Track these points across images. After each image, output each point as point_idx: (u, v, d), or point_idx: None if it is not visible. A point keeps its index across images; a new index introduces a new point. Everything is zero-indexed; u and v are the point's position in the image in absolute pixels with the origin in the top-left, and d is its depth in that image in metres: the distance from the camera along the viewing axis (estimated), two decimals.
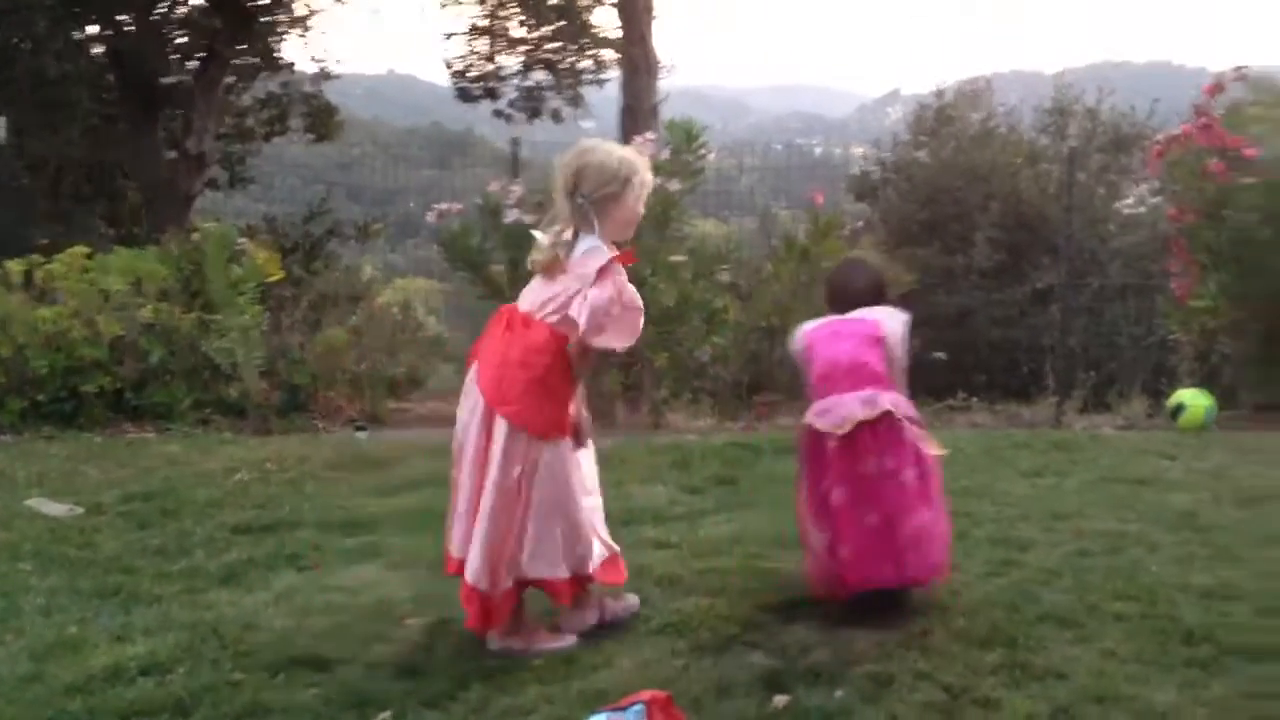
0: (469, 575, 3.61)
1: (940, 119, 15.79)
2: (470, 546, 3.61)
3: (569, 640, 3.72)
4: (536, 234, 3.78)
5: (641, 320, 3.72)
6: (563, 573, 3.68)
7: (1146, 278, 11.93)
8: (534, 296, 3.72)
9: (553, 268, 3.69)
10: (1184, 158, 8.68)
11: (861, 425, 3.83)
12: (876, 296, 4.19)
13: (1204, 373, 8.89)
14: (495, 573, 3.60)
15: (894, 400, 3.90)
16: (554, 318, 3.64)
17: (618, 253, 3.67)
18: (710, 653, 3.61)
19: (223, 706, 3.26)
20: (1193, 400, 7.90)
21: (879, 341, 3.99)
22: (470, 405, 3.72)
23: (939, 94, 16.16)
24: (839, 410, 3.88)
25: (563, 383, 3.67)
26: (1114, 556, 4.55)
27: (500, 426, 3.60)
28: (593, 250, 3.63)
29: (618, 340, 3.70)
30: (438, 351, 10.46)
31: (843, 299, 4.20)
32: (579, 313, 3.58)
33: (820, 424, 3.90)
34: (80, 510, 5.52)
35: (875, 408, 3.85)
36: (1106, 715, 3.13)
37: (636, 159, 3.77)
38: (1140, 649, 3.57)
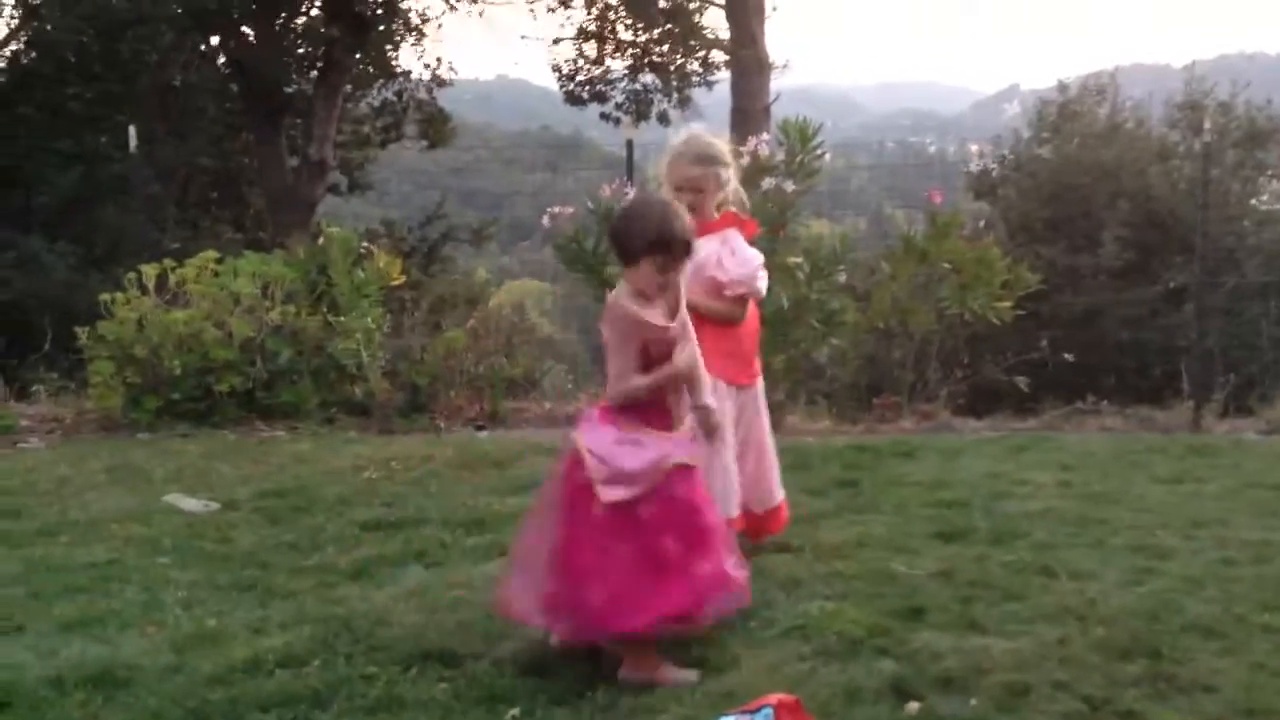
0: None
1: (1064, 114, 15.44)
2: None
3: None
4: None
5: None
6: None
7: None
8: None
9: None
10: None
11: None
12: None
13: None
14: None
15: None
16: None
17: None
18: (837, 657, 3.55)
19: (357, 700, 3.30)
20: None
21: None
22: None
23: (1062, 88, 15.81)
24: None
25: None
26: (1261, 566, 4.39)
27: None
28: None
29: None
30: (552, 351, 10.54)
31: None
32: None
33: None
34: (216, 506, 5.66)
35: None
36: None
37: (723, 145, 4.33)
38: None
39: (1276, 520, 5.06)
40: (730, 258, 4.30)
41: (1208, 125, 11.89)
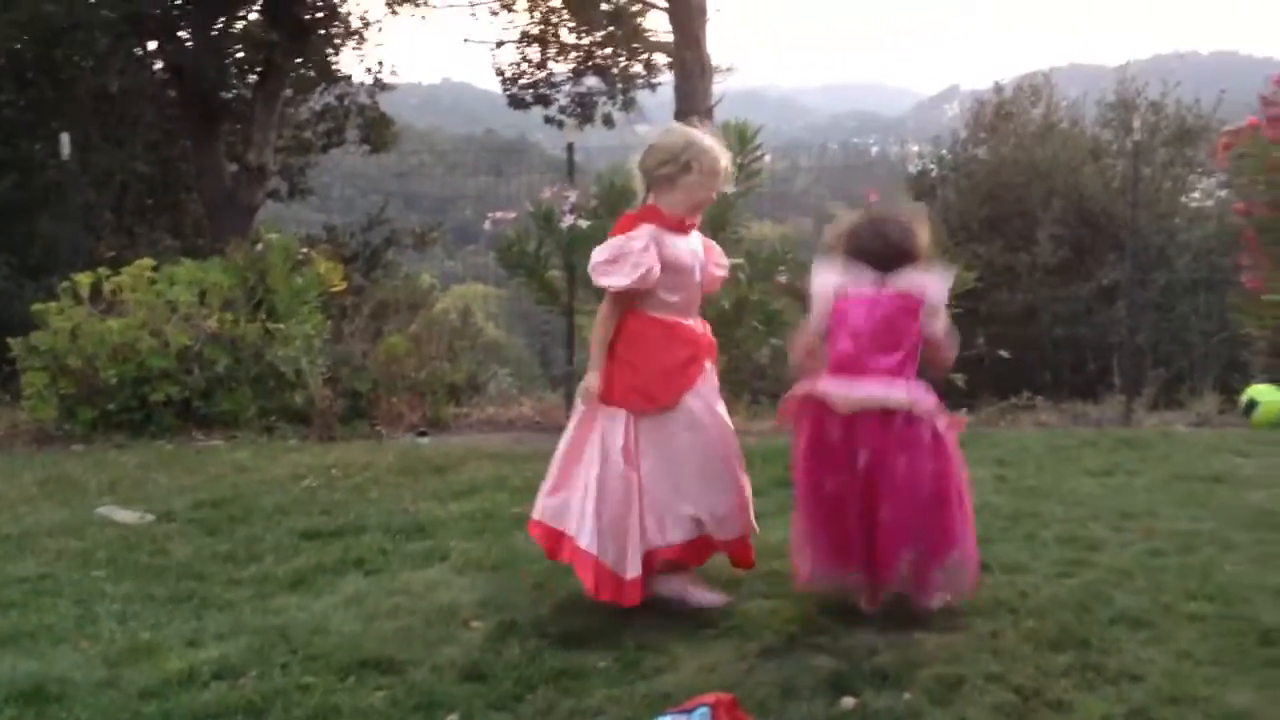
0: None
1: (1000, 115, 15.61)
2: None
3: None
4: None
5: (641, 263, 3.94)
6: None
7: (1216, 272, 11.69)
8: None
9: None
10: (1251, 150, 8.49)
11: (872, 413, 3.76)
12: (911, 255, 3.90)
13: (1278, 368, 8.70)
14: None
15: (912, 392, 3.81)
16: None
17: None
18: (775, 655, 3.60)
19: (294, 710, 3.29)
20: (1267, 396, 7.76)
21: (917, 313, 3.84)
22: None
23: (998, 89, 15.99)
24: (860, 390, 3.79)
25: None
26: (1188, 556, 4.48)
27: None
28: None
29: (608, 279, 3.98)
30: (497, 356, 10.51)
31: (874, 257, 3.90)
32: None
33: (836, 399, 3.82)
34: (151, 517, 5.60)
35: (894, 399, 3.77)
36: (1183, 717, 3.08)
37: (707, 145, 4.02)
38: (1216, 650, 3.51)
39: (1204, 511, 5.17)
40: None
41: (1137, 124, 12.07)
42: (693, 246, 4.11)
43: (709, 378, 4.13)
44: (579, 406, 4.07)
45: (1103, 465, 6.26)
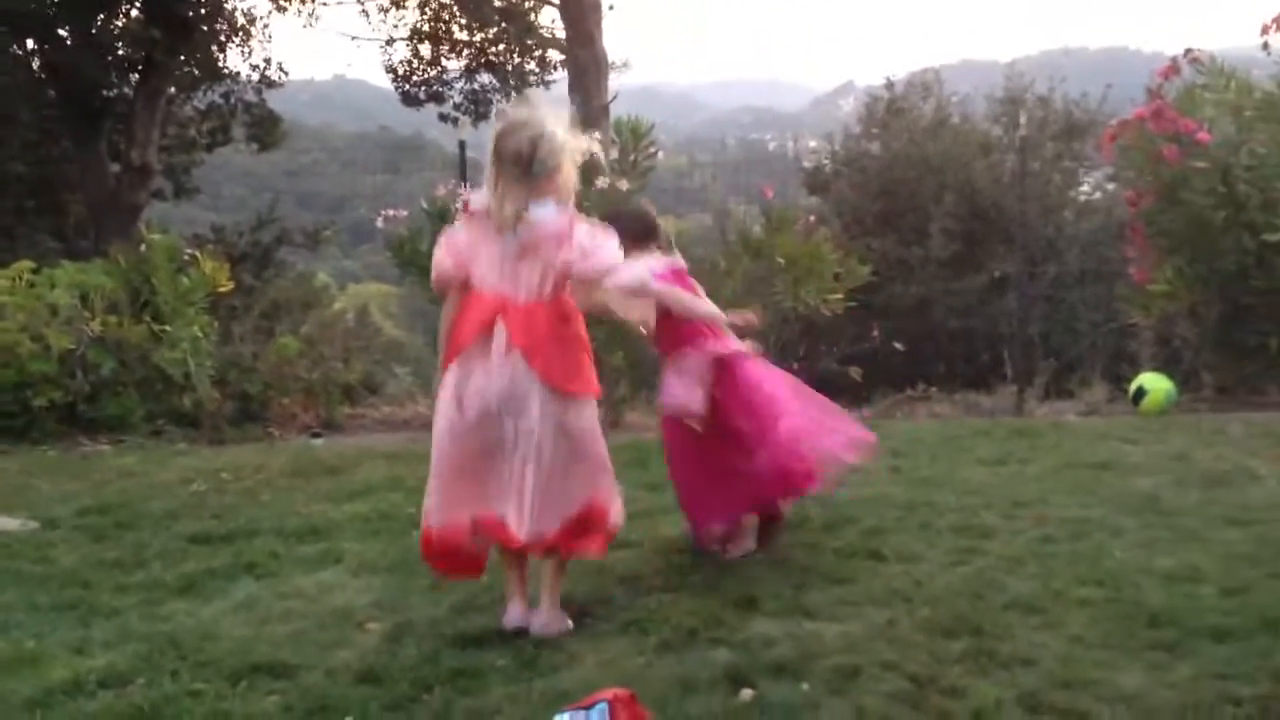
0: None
1: (891, 111, 15.80)
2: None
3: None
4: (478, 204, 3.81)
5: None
6: None
7: (1104, 264, 11.97)
8: (524, 279, 3.77)
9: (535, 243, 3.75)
10: (1137, 142, 8.70)
11: None
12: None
13: (1164, 356, 8.94)
14: None
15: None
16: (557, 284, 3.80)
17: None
18: (673, 649, 3.58)
19: (184, 717, 3.21)
20: (1154, 384, 7.94)
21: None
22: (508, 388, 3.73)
23: (890, 86, 16.19)
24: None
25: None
26: (1078, 542, 4.56)
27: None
28: (553, 211, 3.75)
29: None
30: (397, 355, 10.40)
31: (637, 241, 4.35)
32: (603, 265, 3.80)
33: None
34: (34, 524, 5.43)
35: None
36: (1074, 700, 3.12)
37: (571, 130, 3.86)
38: (1106, 633, 3.58)
39: (1093, 498, 5.27)
40: None
41: (1023, 120, 12.30)
42: None
43: None
44: None
45: (995, 454, 6.37)
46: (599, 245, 3.80)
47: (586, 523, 3.81)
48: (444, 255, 3.87)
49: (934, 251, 13.42)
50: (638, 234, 4.34)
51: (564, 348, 3.79)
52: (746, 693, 3.24)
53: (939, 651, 3.47)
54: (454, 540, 3.79)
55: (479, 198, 3.82)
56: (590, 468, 3.83)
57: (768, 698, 3.20)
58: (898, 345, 9.80)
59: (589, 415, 3.86)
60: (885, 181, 14.49)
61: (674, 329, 4.47)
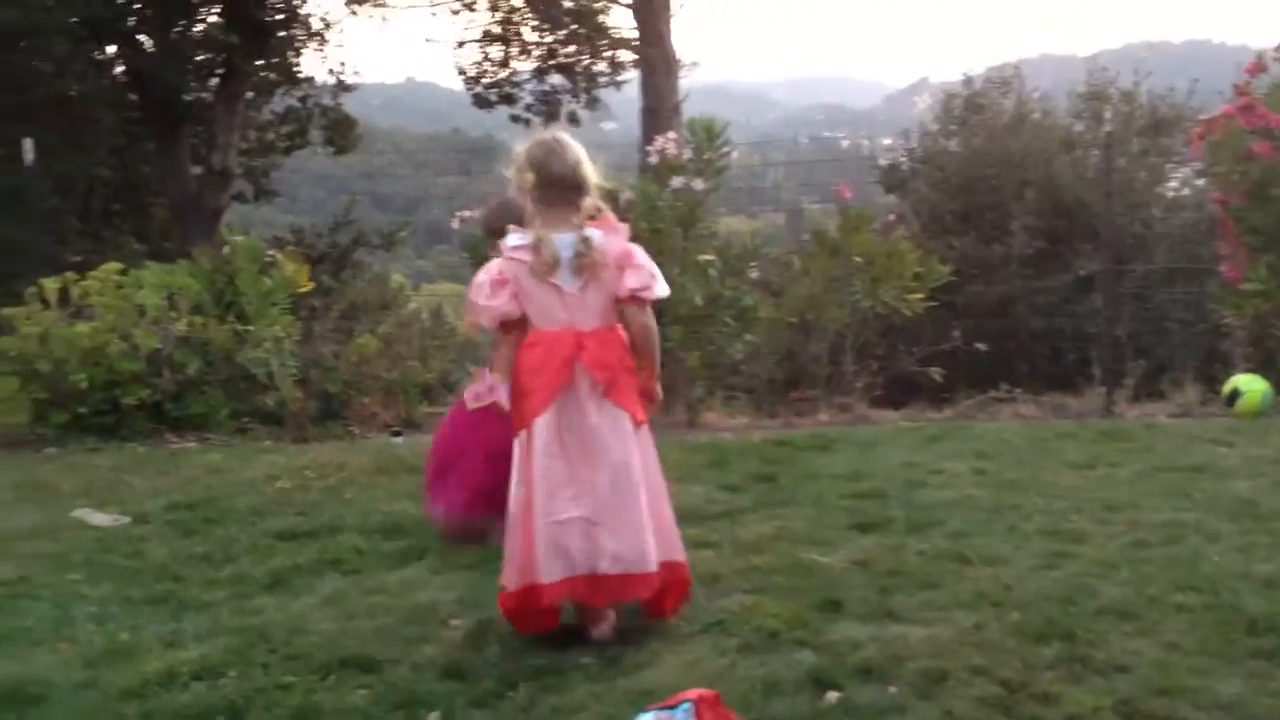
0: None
1: (970, 107, 15.63)
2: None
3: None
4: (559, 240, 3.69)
5: None
6: None
7: (1195, 261, 11.67)
8: (590, 309, 3.71)
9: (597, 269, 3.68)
10: (1226, 139, 8.51)
11: None
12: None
13: (1259, 357, 8.69)
14: None
15: None
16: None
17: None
18: (757, 651, 3.55)
19: (275, 709, 3.25)
20: (1248, 385, 7.76)
21: None
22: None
23: (968, 82, 16.01)
24: None
25: None
26: (1172, 547, 4.45)
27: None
28: (608, 235, 3.71)
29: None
30: (471, 355, 10.46)
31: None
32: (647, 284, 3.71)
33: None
34: (126, 520, 5.54)
35: None
36: (1171, 708, 3.05)
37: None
38: (1203, 640, 3.49)
39: (1187, 501, 5.14)
40: None
41: (1108, 115, 12.10)
42: None
43: None
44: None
45: (1084, 457, 6.23)
46: (653, 266, 3.76)
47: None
48: (502, 295, 3.72)
49: (1016, 250, 13.24)
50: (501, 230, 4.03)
51: (633, 378, 3.77)
52: (832, 695, 3.21)
53: (1030, 657, 3.41)
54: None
55: (518, 237, 3.72)
56: (661, 490, 3.84)
57: (854, 700, 3.17)
58: (980, 346, 9.66)
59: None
60: (965, 179, 14.33)
61: None
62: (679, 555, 3.83)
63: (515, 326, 3.76)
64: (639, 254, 3.74)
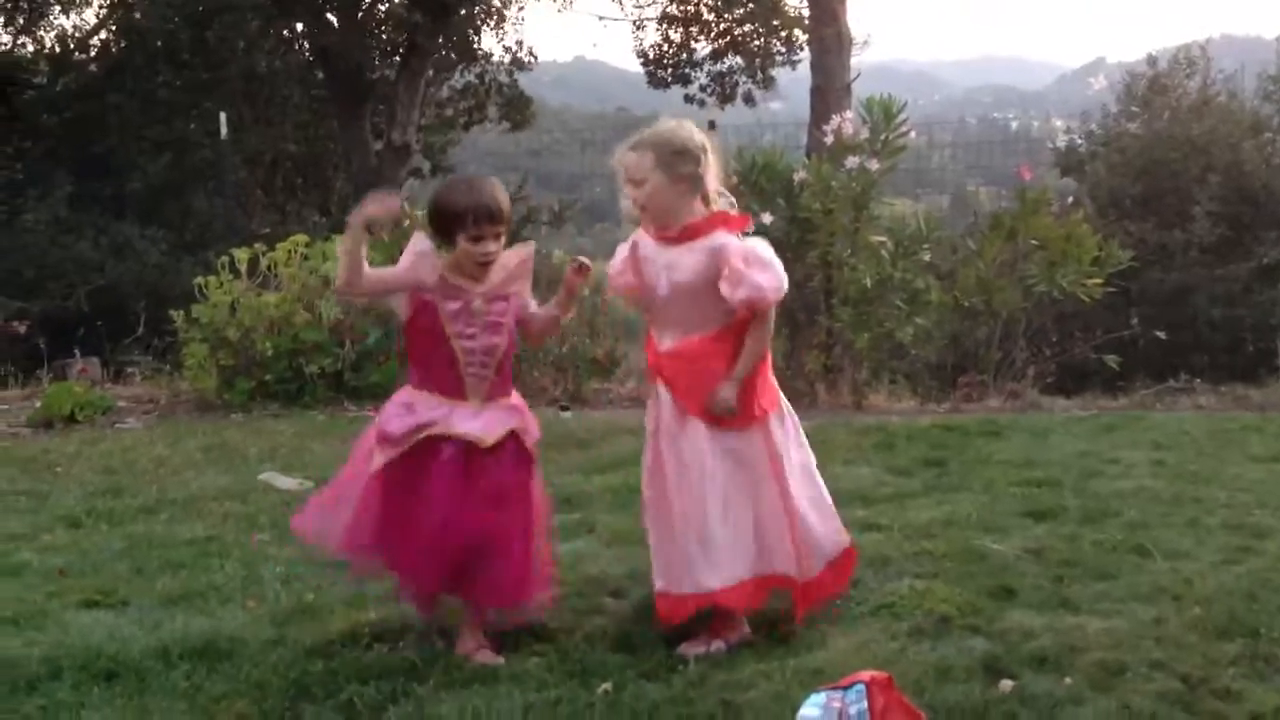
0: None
1: (1154, 88, 15.10)
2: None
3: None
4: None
5: None
6: None
7: None
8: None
9: None
10: None
11: None
12: None
13: None
14: None
15: None
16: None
17: None
18: (927, 636, 3.54)
19: (453, 673, 3.36)
20: None
21: None
22: None
23: (1152, 62, 15.46)
24: None
25: None
26: None
27: None
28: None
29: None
30: (630, 333, 10.54)
31: None
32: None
33: None
34: (310, 484, 5.73)
35: None
36: None
37: None
38: None
39: None
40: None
41: None
42: None
43: None
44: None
45: (1270, 451, 6.01)
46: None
47: None
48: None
49: (1196, 236, 12.76)
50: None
51: None
52: (1006, 683, 3.18)
53: (1211, 653, 3.33)
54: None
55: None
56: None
57: (1029, 690, 3.14)
58: (1159, 333, 9.35)
59: None
60: (1145, 162, 13.87)
61: None
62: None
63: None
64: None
